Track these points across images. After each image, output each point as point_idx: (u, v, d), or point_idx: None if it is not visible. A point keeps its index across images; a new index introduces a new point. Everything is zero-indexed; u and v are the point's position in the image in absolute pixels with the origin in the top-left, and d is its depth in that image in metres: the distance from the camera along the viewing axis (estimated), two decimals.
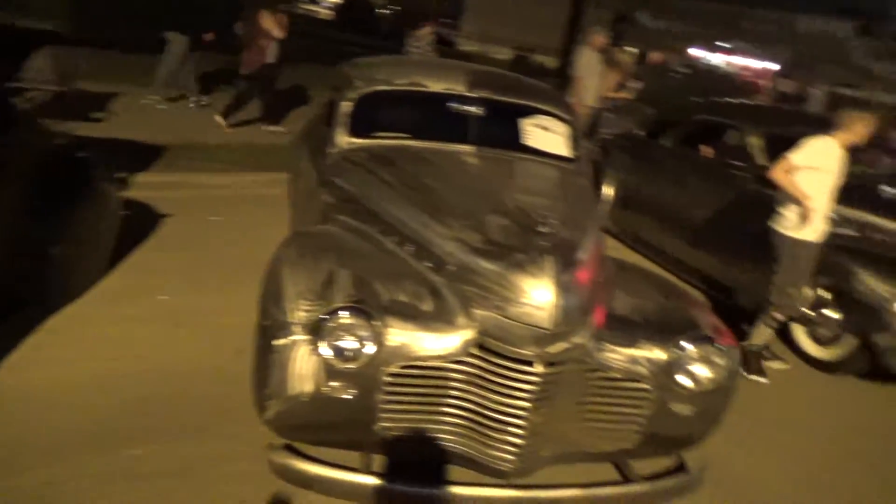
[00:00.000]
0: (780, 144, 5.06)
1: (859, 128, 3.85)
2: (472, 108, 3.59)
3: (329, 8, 36.75)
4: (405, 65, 3.89)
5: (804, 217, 3.84)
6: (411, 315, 2.39)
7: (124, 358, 3.20)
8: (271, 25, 7.66)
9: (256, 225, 4.95)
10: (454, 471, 2.54)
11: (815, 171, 3.84)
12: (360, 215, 3.03)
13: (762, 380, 4.06)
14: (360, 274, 2.49)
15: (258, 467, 2.49)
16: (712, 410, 2.68)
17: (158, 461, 2.59)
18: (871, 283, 3.97)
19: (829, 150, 3.87)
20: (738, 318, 4.47)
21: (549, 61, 21.27)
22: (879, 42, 34.37)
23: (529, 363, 2.32)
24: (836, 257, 4.25)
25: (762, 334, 4.09)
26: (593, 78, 8.30)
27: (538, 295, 2.32)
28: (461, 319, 2.40)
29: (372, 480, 2.38)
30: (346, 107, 3.56)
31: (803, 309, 4.28)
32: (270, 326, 2.35)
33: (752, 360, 4.07)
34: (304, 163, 4.08)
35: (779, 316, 4.03)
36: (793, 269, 3.92)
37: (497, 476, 2.44)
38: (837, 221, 4.47)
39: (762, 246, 4.60)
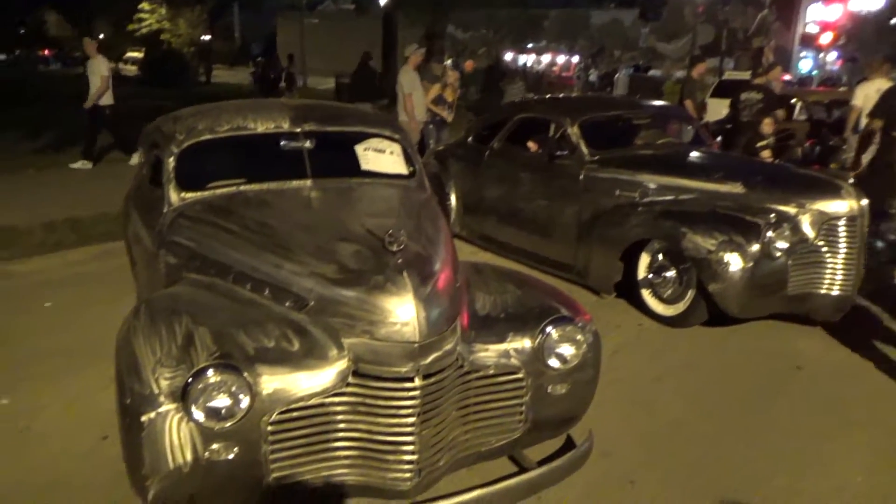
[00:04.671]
0: (598, 129, 5.54)
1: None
2: (302, 143, 3.58)
3: (134, 63, 34.98)
4: (225, 111, 3.79)
5: None
6: (281, 358, 2.35)
7: None
8: None
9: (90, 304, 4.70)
10: (356, 502, 2.51)
11: None
12: (208, 270, 2.93)
13: None
14: (219, 329, 2.41)
15: None
16: (585, 384, 2.84)
17: None
18: (695, 239, 4.38)
19: None
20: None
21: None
22: (657, 24, 38.45)
23: (408, 379, 2.36)
24: (663, 222, 4.68)
25: None
26: (419, 94, 8.67)
27: (401, 311, 2.36)
28: (332, 352, 2.39)
29: None
30: (172, 162, 3.42)
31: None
32: (133, 402, 2.22)
33: None
34: (137, 227, 3.86)
35: None
36: None
37: (399, 497, 2.45)
38: (655, 190, 4.93)
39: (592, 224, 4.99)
